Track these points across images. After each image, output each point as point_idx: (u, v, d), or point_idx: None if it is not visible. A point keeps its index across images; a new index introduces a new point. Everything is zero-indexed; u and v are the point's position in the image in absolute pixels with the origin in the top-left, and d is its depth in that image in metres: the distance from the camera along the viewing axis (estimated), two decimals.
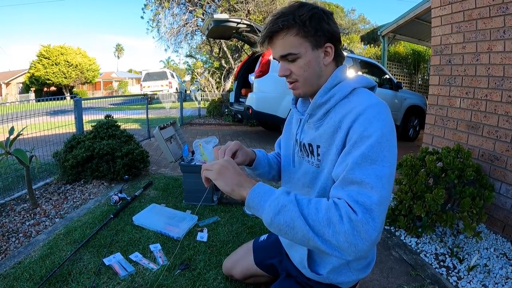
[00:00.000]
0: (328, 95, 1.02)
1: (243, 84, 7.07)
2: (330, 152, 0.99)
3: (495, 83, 2.50)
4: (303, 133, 1.13)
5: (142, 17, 20.68)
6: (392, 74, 8.10)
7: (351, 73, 1.09)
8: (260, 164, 1.28)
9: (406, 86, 11.33)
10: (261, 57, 5.61)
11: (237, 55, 12.24)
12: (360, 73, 5.93)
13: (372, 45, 18.98)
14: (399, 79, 11.41)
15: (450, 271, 2.02)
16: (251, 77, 6.20)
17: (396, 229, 2.53)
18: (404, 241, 2.39)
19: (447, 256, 2.17)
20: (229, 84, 11.96)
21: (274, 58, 1.06)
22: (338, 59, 1.05)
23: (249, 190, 0.90)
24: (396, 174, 2.81)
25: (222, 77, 12.59)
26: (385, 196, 0.82)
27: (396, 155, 0.90)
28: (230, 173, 0.95)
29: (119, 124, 4.05)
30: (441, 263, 2.10)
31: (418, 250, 2.26)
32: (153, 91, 16.58)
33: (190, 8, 11.50)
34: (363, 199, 0.80)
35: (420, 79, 12.43)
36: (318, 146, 1.05)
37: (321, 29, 0.97)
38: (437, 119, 3.14)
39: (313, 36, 0.97)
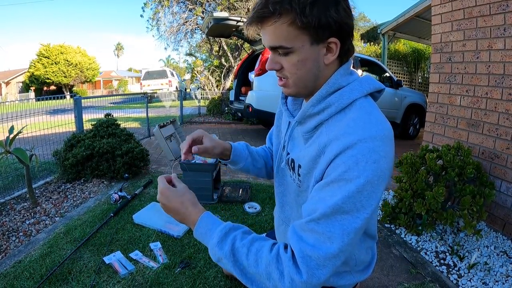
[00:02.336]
0: (322, 105, 0.83)
1: (243, 82, 7.07)
2: (309, 178, 0.86)
3: (495, 81, 2.50)
4: (291, 140, 1.00)
5: (141, 16, 20.68)
6: (392, 72, 8.11)
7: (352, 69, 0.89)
8: (239, 157, 1.15)
9: (406, 84, 11.32)
10: (261, 55, 5.60)
11: (237, 53, 12.23)
12: (360, 72, 5.92)
13: (372, 43, 18.98)
14: (399, 77, 11.42)
15: (450, 269, 2.02)
16: (251, 75, 6.20)
17: (397, 227, 2.53)
18: (404, 239, 2.39)
19: (447, 254, 2.17)
20: (229, 82, 11.95)
21: (264, 45, 0.87)
22: (344, 57, 0.83)
23: (193, 230, 0.87)
24: (396, 172, 2.80)
25: (222, 75, 12.59)
26: (344, 249, 0.71)
27: (380, 197, 0.74)
28: (170, 210, 0.89)
29: (119, 122, 4.05)
30: (442, 261, 2.10)
31: (418, 248, 2.26)
32: (153, 90, 16.57)
33: (190, 7, 11.48)
34: (317, 254, 0.70)
35: (420, 77, 12.43)
36: (299, 166, 0.91)
37: (326, 19, 0.73)
38: (437, 117, 3.13)
39: (314, 28, 0.74)
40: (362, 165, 0.70)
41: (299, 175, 0.92)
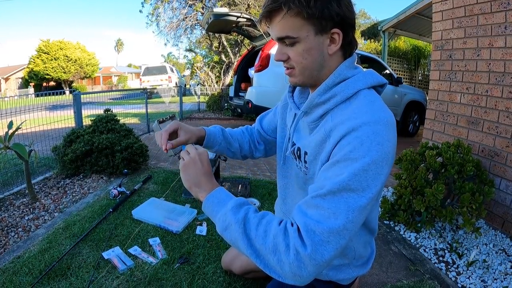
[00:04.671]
0: (328, 94, 0.88)
1: (243, 78, 7.07)
2: (316, 164, 0.90)
3: (496, 78, 2.49)
4: (296, 132, 1.04)
5: (140, 11, 20.49)
6: (392, 69, 8.09)
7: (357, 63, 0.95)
8: (213, 141, 1.18)
9: (406, 82, 11.31)
10: (261, 51, 5.59)
11: (237, 49, 12.21)
12: (360, 68, 5.91)
13: (372, 40, 18.94)
14: (399, 74, 11.40)
15: (449, 266, 2.02)
16: (251, 71, 6.19)
17: (396, 224, 2.54)
18: (403, 236, 2.39)
19: (446, 251, 2.18)
20: (228, 78, 11.93)
21: (272, 39, 0.94)
22: (347, 49, 0.89)
23: (205, 196, 0.88)
24: (395, 168, 2.80)
25: (222, 71, 12.58)
26: (349, 227, 0.72)
27: (384, 180, 0.77)
28: (193, 170, 0.92)
29: (119, 118, 4.04)
30: (440, 258, 2.11)
31: (417, 245, 2.27)
32: (152, 86, 16.55)
33: (190, 2, 11.45)
34: (321, 229, 0.71)
35: (420, 75, 12.42)
36: (305, 153, 0.95)
37: (328, 11, 0.80)
38: (437, 114, 3.13)
39: (318, 19, 0.80)
40: (367, 145, 0.74)
41: (305, 162, 0.96)
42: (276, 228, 0.77)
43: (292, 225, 0.77)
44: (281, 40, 0.86)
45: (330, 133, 0.83)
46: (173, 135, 1.06)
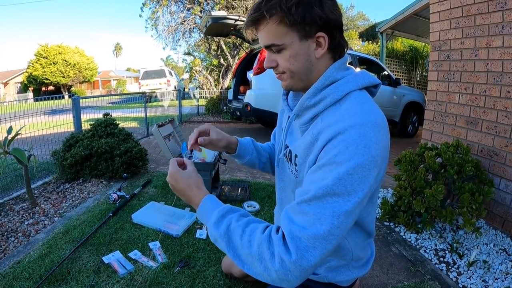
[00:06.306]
0: (317, 97, 0.88)
1: (241, 82, 7.06)
2: (305, 166, 0.90)
3: (494, 78, 2.50)
4: (289, 134, 1.05)
5: (140, 16, 20.47)
6: (390, 71, 8.11)
7: (349, 64, 0.95)
8: (245, 150, 1.21)
9: (404, 83, 11.34)
10: (259, 54, 5.59)
11: (235, 52, 12.21)
12: (358, 70, 5.92)
13: (370, 41, 18.97)
14: (397, 75, 11.41)
15: (450, 267, 2.02)
16: (250, 74, 6.19)
17: (396, 225, 2.53)
18: (403, 237, 2.39)
19: (446, 251, 2.17)
20: (227, 81, 11.94)
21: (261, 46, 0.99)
22: (336, 51, 0.89)
23: (196, 209, 0.90)
24: (395, 170, 2.79)
25: (221, 74, 12.57)
26: (335, 233, 0.72)
27: (373, 183, 0.77)
28: (178, 190, 0.94)
29: (118, 122, 4.04)
30: (441, 259, 2.11)
31: (417, 246, 2.26)
32: (151, 89, 16.56)
33: (188, 6, 11.45)
34: (307, 235, 0.72)
35: (418, 75, 12.44)
36: (296, 156, 0.96)
37: (310, 16, 0.80)
38: (436, 115, 3.13)
39: (301, 24, 0.81)
40: (352, 149, 0.73)
41: (295, 164, 0.96)
42: (260, 236, 0.77)
43: (277, 231, 0.78)
44: (268, 47, 0.88)
45: (318, 136, 0.83)
46: (204, 135, 1.11)
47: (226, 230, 0.81)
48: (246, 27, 0.89)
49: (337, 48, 0.89)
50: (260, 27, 0.86)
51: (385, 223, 2.57)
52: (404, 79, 11.91)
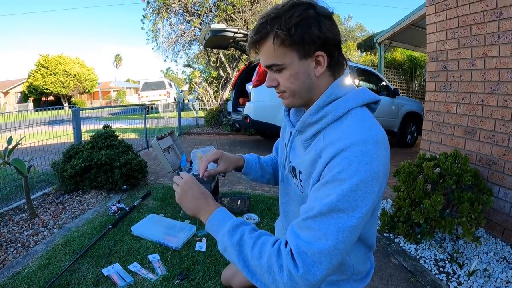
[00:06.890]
0: (319, 114, 0.89)
1: (240, 93, 7.09)
2: (309, 182, 0.91)
3: (491, 87, 2.53)
4: (292, 150, 1.06)
5: (142, 28, 20.38)
6: (389, 81, 8.16)
7: (349, 81, 0.97)
8: (250, 169, 1.25)
9: (403, 93, 11.40)
10: (258, 66, 5.63)
11: (234, 64, 12.29)
12: (357, 81, 5.96)
13: (369, 52, 19.12)
14: (396, 85, 11.46)
15: (450, 277, 2.01)
16: (249, 86, 6.22)
17: (395, 236, 2.53)
18: (403, 247, 2.38)
19: (446, 261, 2.17)
20: (227, 93, 11.99)
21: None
22: (335, 68, 0.91)
23: (206, 219, 0.91)
24: (393, 181, 2.79)
25: (220, 86, 12.63)
26: (340, 247, 0.74)
27: (375, 198, 0.78)
28: (189, 198, 0.95)
29: (117, 134, 4.05)
30: (441, 269, 2.10)
31: (417, 257, 2.26)
32: (151, 101, 16.62)
33: (188, 18, 11.57)
34: (312, 250, 0.73)
35: (416, 85, 12.50)
36: (300, 172, 0.97)
37: (309, 36, 0.83)
38: (434, 125, 3.15)
39: (300, 45, 0.84)
40: (355, 166, 0.75)
41: (300, 180, 0.97)
42: (270, 249, 0.79)
43: (286, 245, 0.79)
44: (268, 67, 0.91)
45: (321, 153, 0.85)
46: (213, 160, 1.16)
47: (239, 239, 0.83)
48: (249, 49, 0.92)
49: (336, 65, 0.91)
50: (261, 48, 0.88)
51: (385, 234, 2.57)
52: (403, 89, 11.97)
